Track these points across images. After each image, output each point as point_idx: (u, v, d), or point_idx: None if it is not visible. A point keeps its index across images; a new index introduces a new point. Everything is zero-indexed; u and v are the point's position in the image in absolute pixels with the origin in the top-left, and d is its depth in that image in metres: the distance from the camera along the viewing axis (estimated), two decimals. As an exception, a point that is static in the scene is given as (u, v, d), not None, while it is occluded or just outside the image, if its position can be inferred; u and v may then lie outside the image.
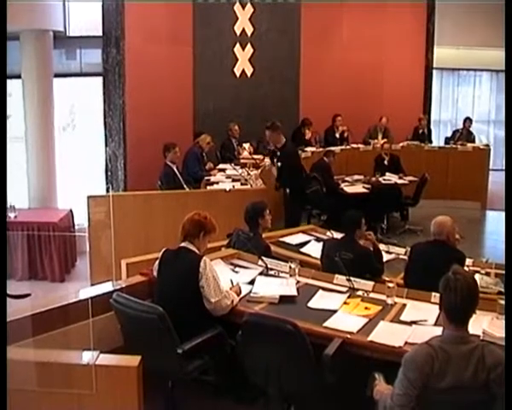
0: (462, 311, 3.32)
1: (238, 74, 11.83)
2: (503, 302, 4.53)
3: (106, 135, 10.26)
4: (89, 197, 7.87)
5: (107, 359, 3.88)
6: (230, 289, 4.85)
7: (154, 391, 4.33)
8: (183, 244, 4.73)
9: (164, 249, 4.83)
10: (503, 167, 17.64)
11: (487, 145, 13.44)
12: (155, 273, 4.85)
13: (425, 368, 3.24)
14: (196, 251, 4.70)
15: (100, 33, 9.97)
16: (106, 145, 10.30)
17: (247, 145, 11.01)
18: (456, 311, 3.32)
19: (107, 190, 10.06)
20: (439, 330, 3.74)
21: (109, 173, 10.32)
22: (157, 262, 4.83)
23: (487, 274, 5.89)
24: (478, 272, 5.94)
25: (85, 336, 3.97)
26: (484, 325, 4.26)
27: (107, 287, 4.89)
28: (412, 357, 3.31)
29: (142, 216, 8.01)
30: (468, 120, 13.69)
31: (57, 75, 10.38)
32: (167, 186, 8.46)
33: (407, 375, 3.27)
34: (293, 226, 7.53)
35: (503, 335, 4.10)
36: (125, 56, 10.04)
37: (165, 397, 4.66)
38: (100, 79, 10.26)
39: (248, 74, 11.94)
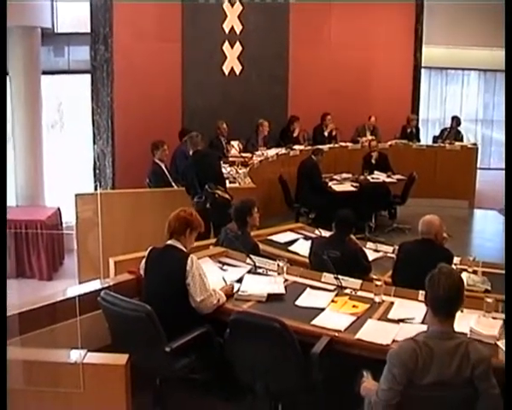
0: (447, 306, 3.35)
1: (227, 72, 11.81)
2: (489, 300, 4.56)
3: (94, 133, 10.24)
4: (76, 195, 7.86)
5: (94, 357, 3.87)
6: (222, 288, 4.86)
7: (142, 389, 4.32)
8: (169, 242, 4.72)
9: (150, 248, 4.82)
10: (491, 166, 17.81)
11: (475, 144, 13.48)
12: (142, 272, 4.84)
13: (409, 364, 3.27)
14: (183, 249, 4.70)
15: (88, 30, 9.95)
16: (94, 143, 10.28)
17: (235, 143, 11.00)
18: (441, 306, 3.35)
19: (96, 188, 10.04)
20: (426, 328, 3.76)
21: (97, 171, 10.30)
22: (144, 261, 4.82)
23: (474, 272, 5.92)
24: (465, 270, 5.96)
25: (73, 334, 3.96)
26: (471, 323, 4.28)
27: (94, 285, 4.87)
28: (397, 353, 3.34)
29: (130, 214, 8.01)
30: (455, 119, 13.71)
31: (45, 72, 10.35)
32: (156, 184, 8.43)
33: (392, 370, 3.30)
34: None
35: (491, 333, 4.14)
36: (114, 54, 10.02)
37: (154, 395, 4.66)
38: (88, 77, 10.22)
39: (237, 72, 11.92)
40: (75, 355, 3.82)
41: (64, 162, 11.01)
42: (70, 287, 5.11)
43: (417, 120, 13.99)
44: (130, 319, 4.27)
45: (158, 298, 4.43)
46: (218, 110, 11.34)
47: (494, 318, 4.46)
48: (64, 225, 9.96)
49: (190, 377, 4.63)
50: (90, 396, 3.79)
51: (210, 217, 7.40)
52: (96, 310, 4.54)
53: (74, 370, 3.74)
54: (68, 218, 9.48)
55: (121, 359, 3.84)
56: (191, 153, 8.13)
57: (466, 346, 3.28)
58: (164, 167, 8.68)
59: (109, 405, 3.83)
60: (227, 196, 7.73)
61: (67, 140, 11.22)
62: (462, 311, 4.55)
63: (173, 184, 8.50)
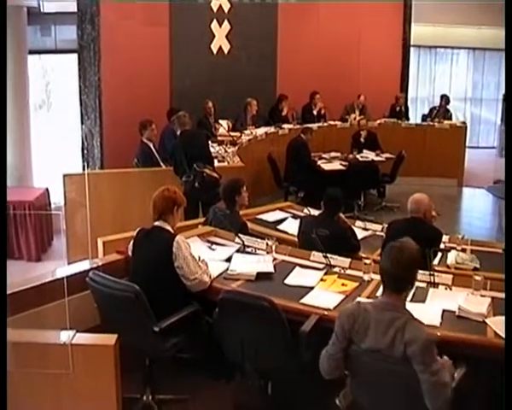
0: (391, 280, 3.41)
1: (215, 51, 11.73)
2: (478, 278, 4.59)
3: (81, 113, 10.16)
4: (64, 175, 7.82)
5: (83, 338, 3.87)
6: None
7: (132, 369, 4.32)
8: (156, 223, 4.70)
9: (138, 229, 4.81)
10: (480, 145, 17.87)
11: (464, 123, 13.49)
12: (130, 253, 4.84)
13: (345, 324, 3.44)
14: (170, 229, 4.69)
15: (75, 9, 9.84)
16: (82, 123, 10.21)
17: (224, 122, 10.97)
18: (388, 278, 3.43)
19: (84, 169, 9.99)
20: (414, 307, 3.78)
21: (85, 151, 10.24)
22: (132, 242, 4.81)
23: (463, 250, 5.94)
24: (454, 248, 5.99)
25: (62, 315, 3.95)
26: (459, 301, 4.31)
27: (83, 266, 4.87)
28: (339, 313, 3.57)
29: (118, 194, 7.98)
30: (444, 98, 13.72)
31: (32, 52, 10.26)
32: (144, 164, 8.38)
33: (335, 328, 3.50)
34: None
35: (479, 311, 4.16)
36: (101, 33, 9.92)
37: (143, 375, 4.67)
38: (75, 56, 10.14)
39: (225, 51, 11.84)
40: (64, 336, 3.81)
41: (52, 142, 10.94)
42: (59, 268, 5.08)
43: (405, 98, 14.00)
44: (118, 299, 4.26)
45: (146, 279, 4.42)
46: (206, 89, 11.27)
47: (482, 296, 4.49)
48: (53, 206, 9.91)
49: (179, 356, 4.64)
50: (79, 377, 3.79)
51: (199, 196, 7.40)
52: (84, 291, 4.53)
53: (63, 351, 3.73)
54: (57, 198, 9.43)
55: (110, 339, 3.84)
56: (179, 133, 8.09)
57: (404, 322, 3.33)
58: (152, 147, 8.63)
59: (98, 385, 3.83)
60: (215, 175, 7.71)
61: (55, 120, 11.15)
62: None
63: (161, 163, 8.46)
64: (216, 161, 8.60)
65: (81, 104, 10.13)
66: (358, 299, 4.27)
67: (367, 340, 3.39)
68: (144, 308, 4.19)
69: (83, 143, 10.25)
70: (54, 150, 10.84)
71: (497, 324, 4.02)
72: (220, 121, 10.91)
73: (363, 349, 3.40)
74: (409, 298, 4.23)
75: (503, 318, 4.08)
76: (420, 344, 3.23)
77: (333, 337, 3.52)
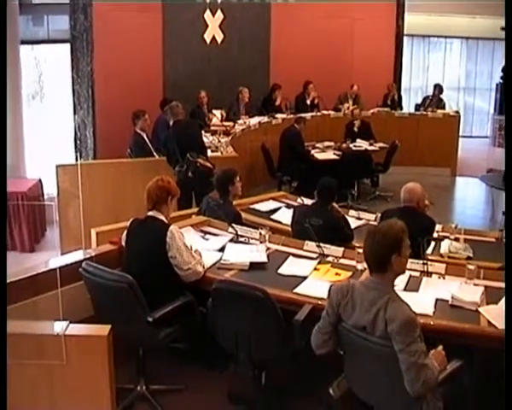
0: (372, 260, 3.46)
1: (208, 41, 11.71)
2: (471, 267, 4.60)
3: (74, 103, 10.12)
4: (57, 166, 7.79)
5: (76, 329, 3.86)
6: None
7: (126, 360, 4.33)
8: (150, 213, 4.70)
9: (132, 219, 4.80)
10: (473, 134, 17.89)
11: (457, 112, 13.50)
12: (123, 243, 4.83)
13: (334, 299, 3.53)
14: (164, 220, 4.69)
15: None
16: (74, 113, 10.17)
17: (218, 112, 10.95)
18: (368, 259, 3.49)
19: (77, 159, 9.96)
20: (407, 296, 3.79)
21: (78, 142, 10.21)
22: (125, 232, 4.80)
23: (456, 240, 5.95)
24: (447, 237, 6.00)
25: (55, 306, 3.94)
26: (453, 290, 4.32)
27: (76, 256, 4.86)
28: (331, 288, 3.63)
29: (111, 184, 7.96)
30: (438, 87, 13.72)
31: (24, 42, 10.19)
32: (137, 154, 8.37)
33: (326, 303, 3.61)
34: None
35: (472, 299, 4.17)
36: (93, 23, 9.88)
37: (137, 365, 4.68)
38: (68, 46, 10.09)
39: (219, 41, 11.81)
40: (57, 327, 3.80)
41: (45, 133, 10.90)
42: (52, 258, 5.07)
43: (399, 87, 14.01)
44: (112, 289, 4.27)
45: (139, 269, 4.42)
46: (199, 79, 11.26)
47: (476, 284, 4.50)
48: (46, 197, 9.87)
49: (173, 346, 4.66)
50: (72, 368, 3.79)
51: (192, 186, 7.39)
52: (78, 281, 4.53)
53: (57, 342, 3.73)
54: (50, 189, 9.40)
55: (103, 330, 3.83)
56: (172, 123, 8.06)
57: (386, 301, 3.36)
58: (145, 137, 8.62)
59: (92, 376, 3.83)
60: (209, 164, 7.69)
61: (48, 111, 11.09)
62: (443, 277, 4.62)
63: (155, 153, 8.45)
64: (209, 151, 8.58)
65: (74, 94, 10.09)
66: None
67: (353, 317, 3.45)
68: (138, 299, 4.19)
69: (76, 133, 10.22)
70: (47, 141, 10.78)
71: (491, 312, 4.04)
72: (214, 111, 10.90)
73: (350, 326, 3.46)
74: (402, 286, 4.28)
75: (496, 307, 4.11)
76: (399, 322, 3.25)
77: (323, 312, 3.60)
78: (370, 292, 3.42)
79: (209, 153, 8.43)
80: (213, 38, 11.74)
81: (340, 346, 3.61)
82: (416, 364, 3.22)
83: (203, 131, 9.43)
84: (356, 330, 3.43)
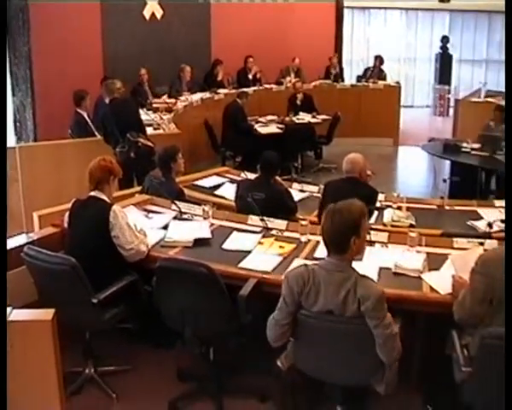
0: (333, 240, 3.43)
1: (148, 17, 11.59)
2: (413, 235, 4.68)
3: (12, 84, 9.94)
4: (-4, 150, 7.64)
5: (20, 314, 3.79)
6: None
7: (72, 343, 4.29)
8: (92, 194, 4.64)
9: (74, 200, 4.74)
10: (414, 104, 18.13)
11: (398, 82, 13.64)
12: (66, 225, 4.77)
13: (295, 287, 3.44)
14: (106, 199, 4.64)
15: (0, -22, 9.57)
16: (13, 95, 9.99)
17: (165, 96, 10.96)
18: (328, 240, 3.45)
19: (16, 142, 9.79)
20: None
21: (18, 124, 10.04)
22: (67, 214, 4.74)
23: (399, 208, 6.03)
24: (390, 206, 6.08)
25: (-3, 291, 3.88)
26: (395, 257, 4.39)
27: (18, 241, 4.78)
28: (286, 276, 3.53)
29: (53, 166, 7.84)
30: (378, 58, 13.86)
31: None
32: (79, 134, 8.27)
33: (282, 292, 3.50)
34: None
35: (415, 267, 4.25)
36: (29, 2, 9.70)
37: (84, 348, 4.65)
38: (3, 27, 9.88)
39: (158, 17, 11.72)
40: (0, 313, 3.75)
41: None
42: (-7, 243, 4.98)
43: (340, 59, 14.09)
44: (55, 273, 4.21)
45: (82, 250, 4.37)
46: (140, 57, 11.17)
47: (418, 252, 4.58)
48: (-14, 181, 9.69)
49: (120, 327, 4.64)
50: (17, 354, 3.72)
51: (134, 166, 7.30)
52: (21, 266, 4.45)
53: (0, 328, 3.67)
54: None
55: (47, 314, 3.77)
56: (108, 101, 7.92)
57: (355, 280, 3.37)
58: (86, 117, 8.52)
59: (37, 361, 3.78)
60: (150, 143, 7.61)
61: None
62: (386, 246, 4.69)
63: (96, 133, 8.34)
64: (151, 128, 8.53)
65: (11, 75, 9.89)
66: (301, 260, 4.34)
67: (318, 303, 3.41)
68: (81, 281, 4.15)
69: (15, 115, 10.04)
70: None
71: (432, 278, 4.13)
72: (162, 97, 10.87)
73: (314, 312, 3.43)
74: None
75: (439, 272, 4.20)
76: (373, 300, 3.29)
77: (280, 302, 3.51)
78: (335, 275, 3.40)
79: (152, 131, 8.38)
80: (153, 14, 11.63)
81: (294, 333, 3.57)
82: (391, 335, 3.32)
83: (145, 109, 9.35)
84: (320, 316, 3.41)
